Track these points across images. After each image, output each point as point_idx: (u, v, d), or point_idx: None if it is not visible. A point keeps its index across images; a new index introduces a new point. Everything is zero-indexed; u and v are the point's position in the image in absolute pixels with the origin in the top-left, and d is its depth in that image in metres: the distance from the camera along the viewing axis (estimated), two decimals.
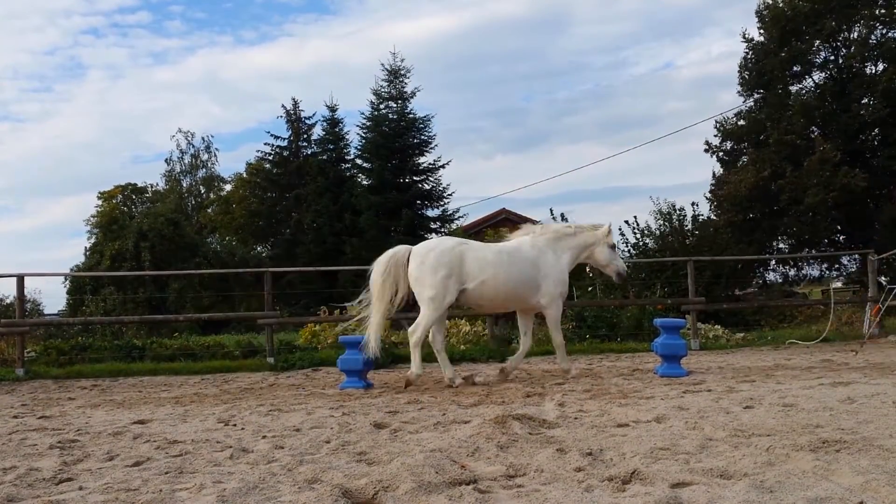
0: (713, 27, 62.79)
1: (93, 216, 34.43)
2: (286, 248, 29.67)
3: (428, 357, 10.79)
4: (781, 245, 21.97)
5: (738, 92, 22.60)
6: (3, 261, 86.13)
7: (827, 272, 22.25)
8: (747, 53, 22.09)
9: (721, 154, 22.84)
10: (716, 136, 22.80)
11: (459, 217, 27.88)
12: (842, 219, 20.51)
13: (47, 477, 3.53)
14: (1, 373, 10.02)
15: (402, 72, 27.74)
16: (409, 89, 27.89)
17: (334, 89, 79.39)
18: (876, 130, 20.91)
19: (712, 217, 20.38)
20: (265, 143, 32.61)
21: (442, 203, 27.72)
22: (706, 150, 22.93)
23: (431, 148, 27.75)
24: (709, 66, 59.36)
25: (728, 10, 60.69)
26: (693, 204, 18.75)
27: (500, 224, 27.16)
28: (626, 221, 17.37)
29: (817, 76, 22.03)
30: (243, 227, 33.64)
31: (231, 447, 4.15)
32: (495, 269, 7.24)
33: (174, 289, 24.06)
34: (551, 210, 19.65)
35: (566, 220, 19.21)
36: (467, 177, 63.01)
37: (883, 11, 20.57)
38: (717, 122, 22.79)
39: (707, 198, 22.09)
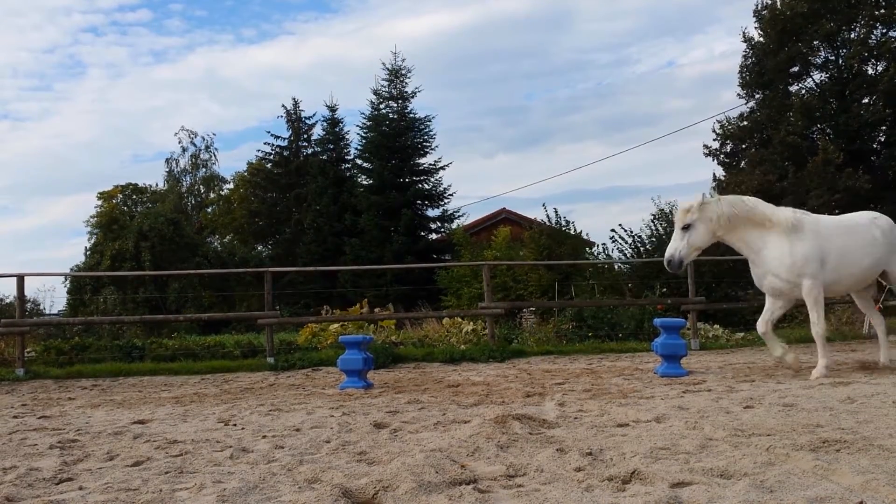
0: (716, 24, 62.57)
1: (92, 216, 34.41)
2: (286, 248, 29.68)
3: (427, 357, 10.81)
4: None
5: (739, 94, 22.62)
6: (3, 261, 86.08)
7: None
8: (747, 53, 22.10)
9: (721, 157, 22.82)
10: (715, 139, 22.79)
11: (460, 216, 27.94)
12: None
13: (47, 477, 3.53)
14: (1, 373, 10.02)
15: (403, 71, 27.79)
16: (409, 89, 27.95)
17: (335, 88, 79.28)
18: (877, 131, 20.92)
19: None
20: (265, 143, 32.67)
21: (442, 203, 27.77)
22: (706, 155, 22.93)
23: (432, 148, 27.81)
24: (711, 63, 59.21)
25: (731, 6, 60.49)
26: None
27: (500, 224, 27.19)
28: (621, 225, 17.46)
29: (818, 76, 22.03)
30: (244, 227, 33.66)
31: (231, 447, 4.16)
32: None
33: (174, 289, 24.06)
34: (544, 205, 19.70)
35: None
36: (468, 176, 62.88)
37: (883, 11, 20.56)
38: (717, 122, 22.80)
39: None
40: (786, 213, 7.04)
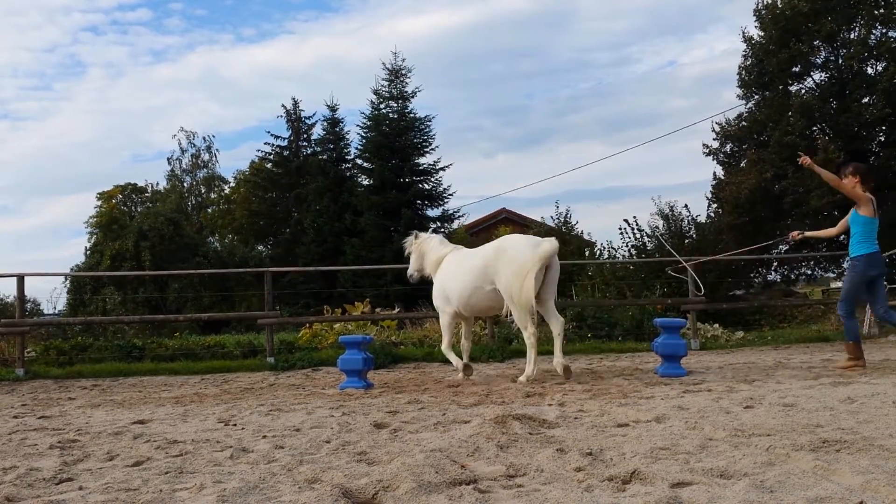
0: (718, 23, 62.75)
1: (92, 217, 34.38)
2: (286, 248, 29.69)
3: (427, 357, 10.81)
4: (782, 246, 21.98)
5: (738, 95, 22.63)
6: (3, 261, 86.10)
7: (826, 273, 22.24)
8: (747, 53, 22.10)
9: (721, 156, 22.84)
10: (714, 139, 22.82)
11: (459, 216, 27.95)
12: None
13: (47, 477, 3.53)
14: (1, 373, 10.03)
15: (403, 71, 27.81)
16: (409, 89, 27.97)
17: (335, 87, 79.41)
18: (877, 131, 20.93)
19: (712, 216, 20.38)
20: (265, 143, 32.73)
21: (442, 203, 27.78)
22: (706, 154, 22.96)
23: (432, 148, 27.82)
24: (713, 63, 59.30)
25: (733, 4, 60.54)
26: (690, 212, 18.55)
27: (500, 224, 27.19)
28: (626, 220, 17.36)
29: (817, 76, 22.04)
30: (244, 226, 33.66)
31: (231, 447, 4.15)
32: None
33: (174, 289, 24.05)
34: (557, 203, 19.66)
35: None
36: (468, 176, 63.07)
37: (882, 11, 20.57)
38: (715, 122, 22.82)
39: (708, 198, 22.12)
40: (438, 255, 8.16)
